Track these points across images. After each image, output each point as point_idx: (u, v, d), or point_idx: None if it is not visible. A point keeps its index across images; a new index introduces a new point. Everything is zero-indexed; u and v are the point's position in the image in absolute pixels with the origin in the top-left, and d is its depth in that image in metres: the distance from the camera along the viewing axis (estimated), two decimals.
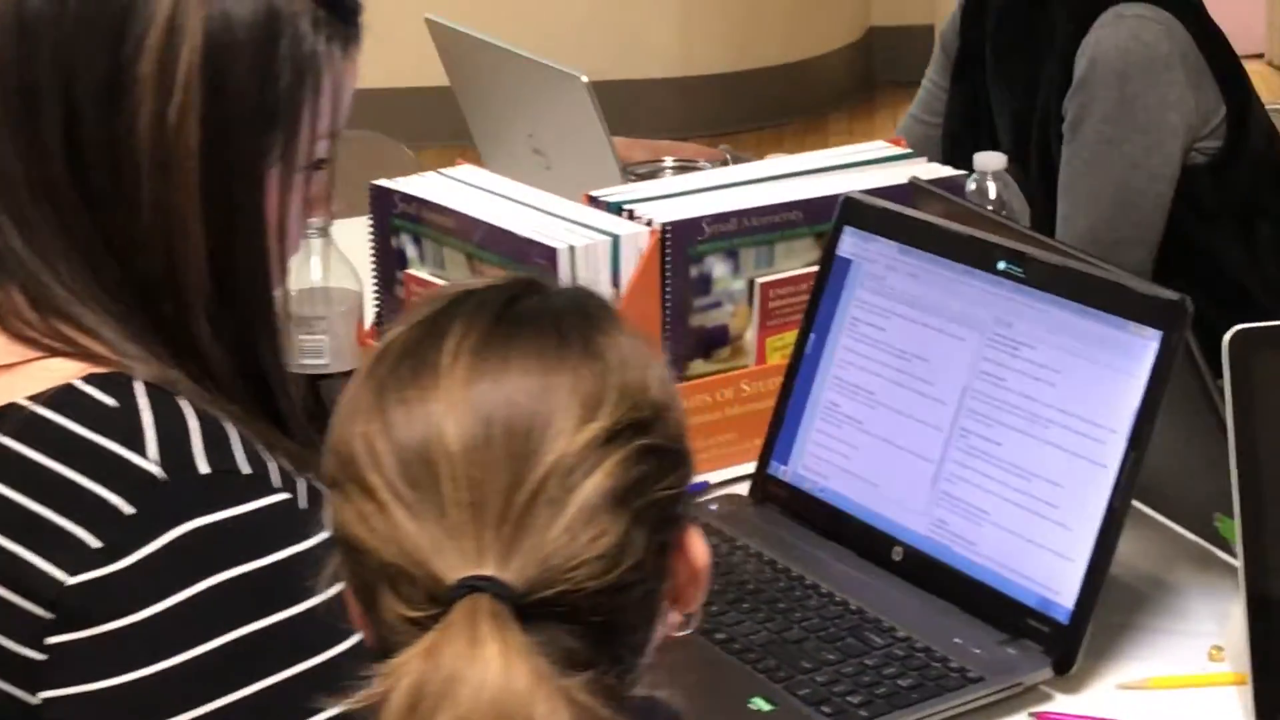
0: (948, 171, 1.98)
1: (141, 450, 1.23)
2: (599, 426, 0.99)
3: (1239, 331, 1.40)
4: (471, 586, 0.94)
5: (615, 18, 6.14)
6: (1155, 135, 2.41)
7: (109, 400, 1.25)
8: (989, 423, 1.56)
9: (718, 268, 1.84)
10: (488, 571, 0.95)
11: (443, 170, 1.94)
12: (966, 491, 1.57)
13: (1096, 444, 1.48)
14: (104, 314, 1.29)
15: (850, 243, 1.71)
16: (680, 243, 1.81)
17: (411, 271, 1.90)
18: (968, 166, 2.49)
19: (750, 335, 1.87)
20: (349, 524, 1.01)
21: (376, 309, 1.98)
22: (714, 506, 1.74)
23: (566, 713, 0.94)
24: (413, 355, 1.02)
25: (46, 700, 1.21)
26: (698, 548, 1.06)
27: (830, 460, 1.70)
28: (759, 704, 1.44)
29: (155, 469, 1.22)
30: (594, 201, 1.86)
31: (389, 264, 1.94)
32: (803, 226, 1.85)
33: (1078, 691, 1.49)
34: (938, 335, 1.62)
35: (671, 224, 1.81)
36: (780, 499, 1.73)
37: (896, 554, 1.61)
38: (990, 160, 2.03)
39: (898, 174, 1.92)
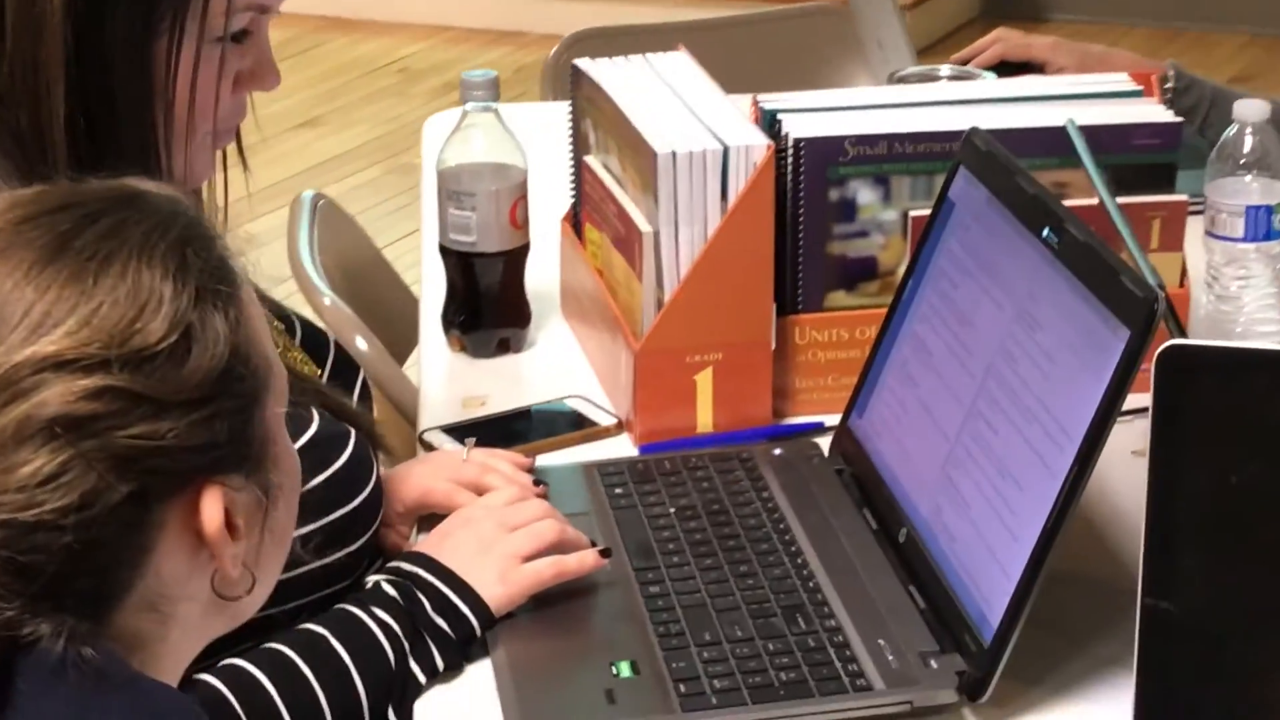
0: (1165, 118, 1.75)
1: None
2: (41, 350, 0.96)
3: (1171, 348, 1.21)
4: None
5: None
6: None
7: None
8: (996, 408, 1.42)
9: (864, 193, 1.73)
10: None
11: (650, 55, 1.89)
12: (962, 480, 1.44)
13: (1056, 449, 1.31)
14: None
15: (960, 185, 1.56)
16: (818, 162, 1.71)
17: (586, 159, 1.88)
18: None
19: (904, 271, 1.73)
20: None
21: (572, 198, 1.97)
22: (778, 450, 1.66)
23: None
24: None
25: None
26: (209, 512, 1.02)
27: (885, 420, 1.59)
28: (622, 668, 1.39)
29: None
30: (757, 107, 1.77)
31: (578, 149, 1.92)
32: None
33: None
34: (987, 301, 1.48)
35: (807, 140, 1.71)
36: (847, 453, 1.63)
37: (902, 535, 1.49)
38: (1250, 110, 1.78)
39: (1116, 113, 1.74)
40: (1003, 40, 2.42)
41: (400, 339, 2.05)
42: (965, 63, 2.41)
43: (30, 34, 1.33)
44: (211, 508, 1.02)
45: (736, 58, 2.74)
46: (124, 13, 1.35)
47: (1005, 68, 2.39)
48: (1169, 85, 2.41)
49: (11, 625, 0.95)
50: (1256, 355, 1.23)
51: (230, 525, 1.03)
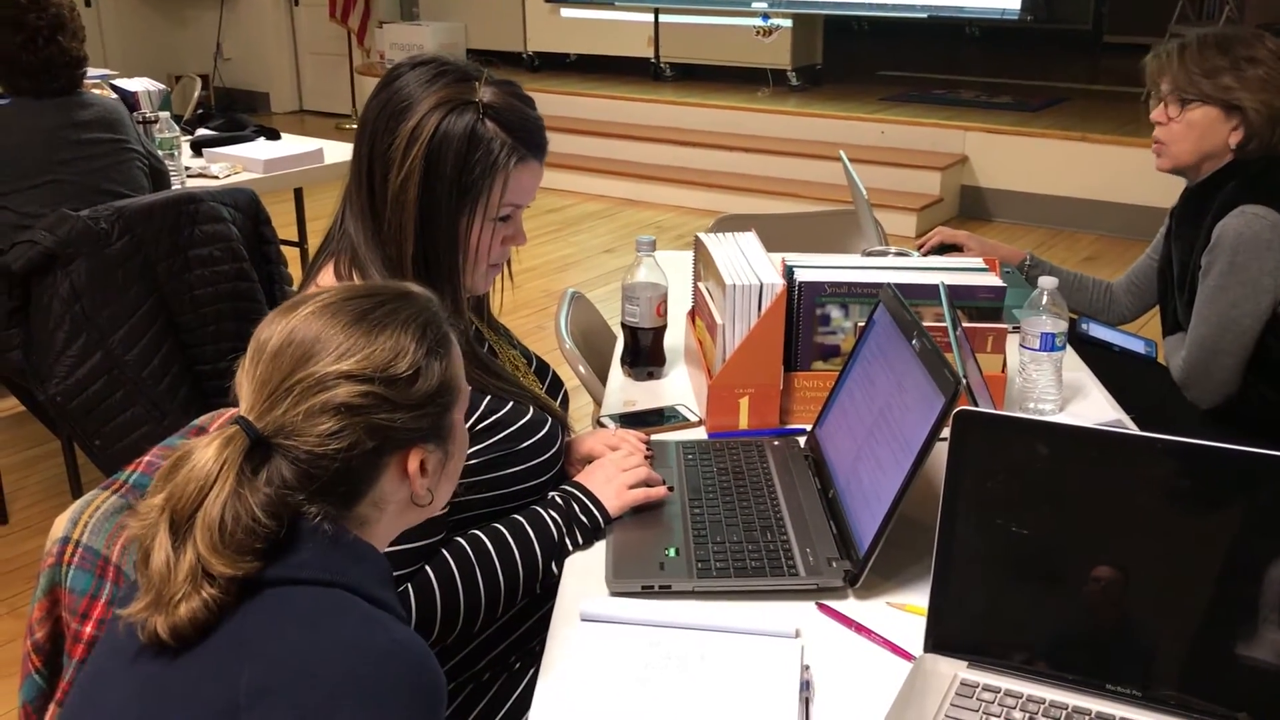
0: (996, 284, 1.65)
1: None
2: (343, 367, 0.94)
3: (961, 412, 1.14)
4: (237, 420, 0.93)
5: None
6: (1251, 290, 1.89)
7: None
8: (881, 430, 1.34)
9: (835, 312, 1.65)
10: (248, 415, 0.94)
11: (734, 234, 1.82)
12: (861, 466, 1.36)
13: (906, 454, 1.24)
14: (377, 269, 1.33)
15: (880, 312, 1.49)
16: (811, 294, 1.64)
17: (699, 283, 1.83)
18: (1168, 286, 2.09)
19: (850, 353, 1.65)
20: None
21: (691, 302, 1.91)
22: (777, 442, 1.59)
23: (229, 491, 0.89)
24: (296, 299, 1.00)
25: None
26: (413, 464, 0.98)
27: (831, 431, 1.51)
28: (670, 551, 1.33)
29: None
30: (784, 263, 1.71)
31: (696, 277, 1.87)
32: None
33: (862, 600, 1.27)
34: (883, 373, 1.40)
35: (806, 283, 1.64)
36: (811, 447, 1.56)
37: (830, 493, 1.42)
38: (1047, 282, 1.68)
39: (961, 278, 1.65)
40: (940, 232, 2.33)
41: (603, 368, 2.02)
42: (921, 245, 2.32)
43: (398, 211, 1.32)
44: (414, 461, 0.98)
45: (798, 231, 2.67)
46: (446, 206, 1.32)
47: (944, 247, 2.31)
48: (1027, 263, 2.30)
49: (299, 505, 0.93)
50: (996, 418, 1.13)
51: (422, 469, 0.99)
